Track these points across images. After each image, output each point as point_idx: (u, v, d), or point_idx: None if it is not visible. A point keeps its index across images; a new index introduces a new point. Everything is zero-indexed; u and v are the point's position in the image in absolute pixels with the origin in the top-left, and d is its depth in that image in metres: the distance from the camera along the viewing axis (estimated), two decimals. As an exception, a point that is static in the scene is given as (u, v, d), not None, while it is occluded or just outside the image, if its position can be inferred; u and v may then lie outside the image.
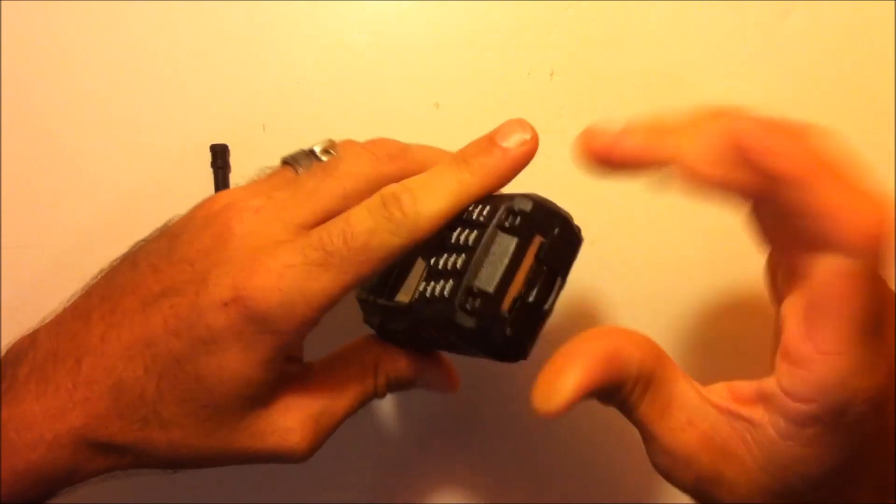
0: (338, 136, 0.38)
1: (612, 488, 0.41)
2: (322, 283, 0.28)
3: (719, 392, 0.27)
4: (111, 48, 0.40)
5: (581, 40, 0.40)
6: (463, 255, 0.28)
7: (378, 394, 0.32)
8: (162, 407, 0.29)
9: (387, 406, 0.41)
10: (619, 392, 0.26)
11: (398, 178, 0.30)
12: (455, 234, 0.29)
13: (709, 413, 0.26)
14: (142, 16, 0.40)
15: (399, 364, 0.32)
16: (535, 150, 0.30)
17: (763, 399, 0.26)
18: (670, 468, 0.27)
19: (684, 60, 0.40)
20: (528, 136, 0.30)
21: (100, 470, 0.30)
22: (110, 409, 0.29)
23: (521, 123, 0.30)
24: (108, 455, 0.30)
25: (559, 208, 0.30)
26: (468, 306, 0.28)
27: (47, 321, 0.31)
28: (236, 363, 0.28)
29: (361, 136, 0.39)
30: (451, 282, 0.28)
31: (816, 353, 0.24)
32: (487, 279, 0.28)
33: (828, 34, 0.40)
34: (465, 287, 0.28)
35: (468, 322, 0.28)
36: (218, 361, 0.28)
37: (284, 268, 0.28)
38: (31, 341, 0.30)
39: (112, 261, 0.32)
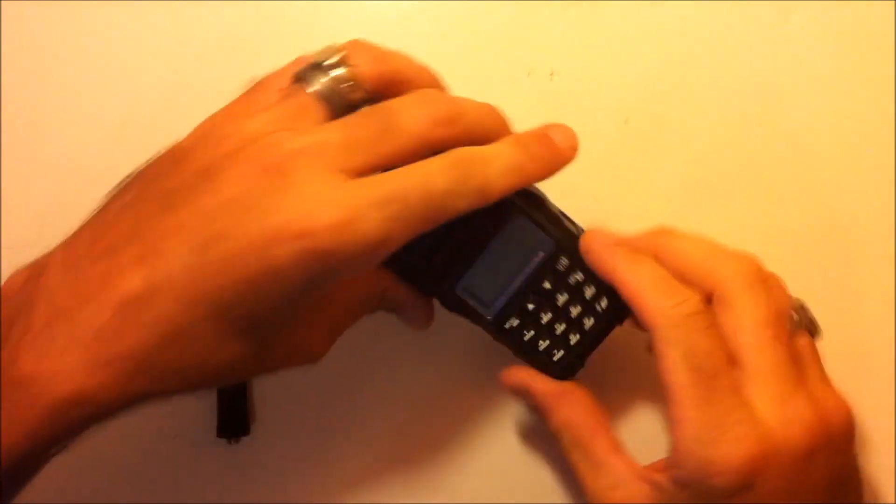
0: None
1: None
2: (391, 232, 0.28)
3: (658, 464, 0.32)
4: (111, 48, 0.40)
5: (581, 40, 0.40)
6: (564, 325, 0.34)
7: (372, 310, 0.35)
8: (218, 343, 0.28)
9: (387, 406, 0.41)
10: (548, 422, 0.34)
11: (451, 145, 0.30)
12: (554, 289, 0.33)
13: (631, 481, 0.32)
14: (142, 16, 0.40)
15: (401, 296, 0.34)
16: (572, 159, 0.32)
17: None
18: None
19: (684, 60, 0.40)
20: (574, 143, 0.32)
21: (142, 396, 0.28)
22: (160, 347, 0.28)
23: (566, 129, 0.33)
24: (154, 384, 0.28)
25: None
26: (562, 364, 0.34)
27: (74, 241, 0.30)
28: (297, 294, 0.28)
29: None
30: (560, 351, 0.34)
31: (668, 420, 0.30)
32: (584, 352, 0.34)
33: (828, 34, 0.40)
34: (569, 362, 0.34)
35: (555, 372, 0.34)
36: (279, 296, 0.28)
37: (356, 216, 0.27)
38: (62, 274, 0.29)
39: (121, 190, 0.30)
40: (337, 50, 0.31)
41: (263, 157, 0.28)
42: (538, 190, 0.34)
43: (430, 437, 0.40)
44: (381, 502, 0.40)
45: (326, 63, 0.30)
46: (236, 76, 0.40)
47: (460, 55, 0.40)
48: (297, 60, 0.32)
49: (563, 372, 0.34)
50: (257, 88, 0.32)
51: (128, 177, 0.31)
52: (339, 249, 0.27)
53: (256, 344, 0.29)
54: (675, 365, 0.30)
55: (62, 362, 0.27)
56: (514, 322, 0.34)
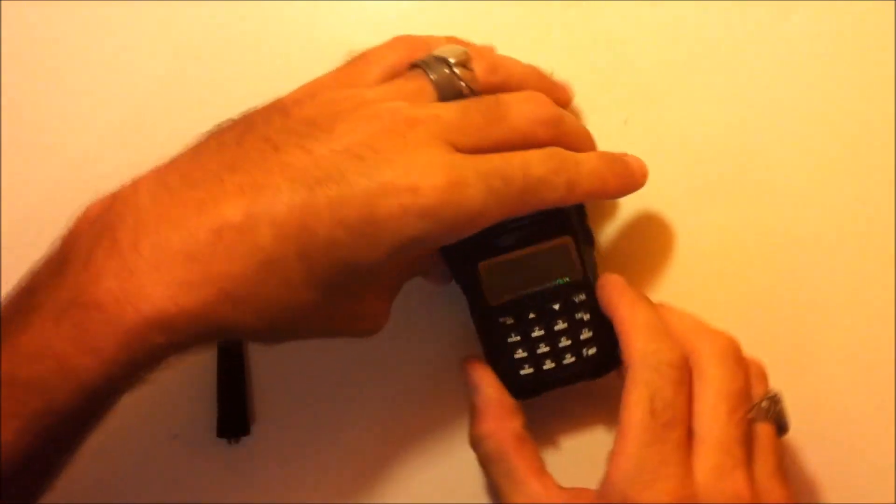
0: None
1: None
2: (490, 206, 0.29)
3: None
4: (111, 48, 0.40)
5: (581, 40, 0.40)
6: (548, 349, 0.35)
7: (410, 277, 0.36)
8: (298, 291, 0.28)
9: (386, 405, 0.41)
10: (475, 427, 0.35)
11: (548, 144, 0.32)
12: (559, 313, 0.35)
13: (547, 502, 0.33)
14: (142, 16, 0.40)
15: (433, 258, 0.35)
16: (639, 189, 0.35)
17: None
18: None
19: (684, 60, 0.40)
20: (646, 171, 0.35)
21: (218, 327, 0.28)
22: (248, 277, 0.28)
23: (640, 160, 0.35)
24: (233, 313, 0.28)
25: None
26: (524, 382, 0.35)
27: (153, 179, 0.29)
28: (387, 257, 0.29)
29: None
30: (531, 369, 0.35)
31: (611, 452, 0.31)
32: (548, 384, 0.36)
33: (828, 34, 0.40)
34: (531, 384, 0.35)
35: (513, 387, 0.35)
36: (373, 254, 0.29)
37: (458, 183, 0.29)
38: (166, 195, 0.28)
39: (219, 131, 0.31)
40: (461, 52, 0.33)
41: (383, 117, 0.29)
42: (591, 228, 0.37)
43: (430, 437, 0.40)
44: (380, 502, 0.40)
45: (451, 59, 0.32)
46: (236, 76, 0.41)
47: (460, 55, 0.40)
48: (394, 40, 0.34)
49: (519, 389, 0.35)
50: (360, 62, 0.33)
51: (226, 121, 0.31)
52: (442, 211, 0.28)
53: (333, 298, 0.30)
54: (636, 402, 0.31)
55: (149, 281, 0.27)
56: (509, 320, 0.35)
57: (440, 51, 0.32)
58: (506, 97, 0.32)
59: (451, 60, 0.32)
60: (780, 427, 0.34)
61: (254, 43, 0.40)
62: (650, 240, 0.40)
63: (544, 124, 0.32)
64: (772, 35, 0.40)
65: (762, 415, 0.33)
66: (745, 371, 0.33)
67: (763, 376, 0.34)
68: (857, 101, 0.40)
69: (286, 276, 0.28)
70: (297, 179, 0.28)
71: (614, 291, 0.34)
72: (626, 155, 0.35)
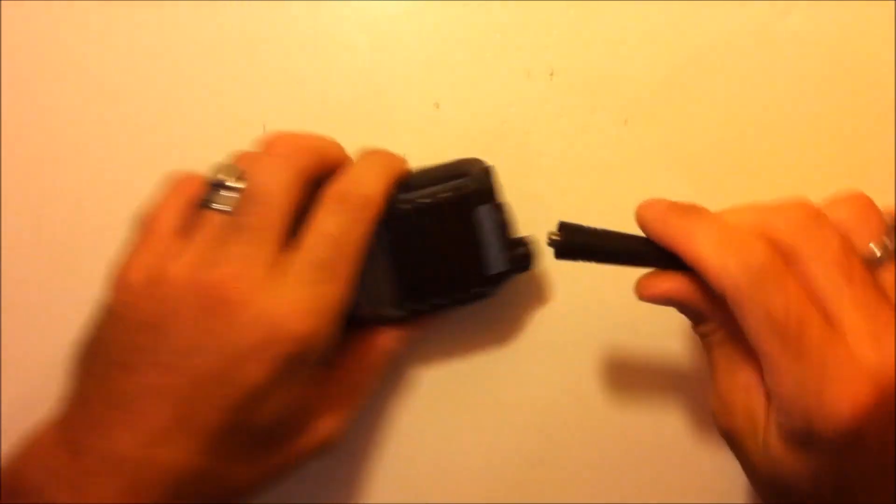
0: (337, 137, 0.38)
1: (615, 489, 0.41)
2: (335, 294, 0.31)
3: None
4: (111, 48, 0.40)
5: (581, 40, 0.40)
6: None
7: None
8: (230, 470, 0.31)
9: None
10: (697, 325, 0.32)
11: (315, 168, 0.33)
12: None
13: (759, 395, 0.30)
14: (142, 16, 0.40)
15: (397, 338, 0.36)
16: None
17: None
18: (716, 410, 0.32)
19: (684, 60, 0.40)
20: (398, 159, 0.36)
21: None
22: (176, 495, 0.30)
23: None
24: None
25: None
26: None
27: (52, 432, 0.31)
28: (286, 399, 0.31)
29: (361, 135, 0.39)
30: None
31: (767, 382, 0.29)
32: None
33: (828, 34, 0.40)
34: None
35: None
36: (272, 407, 0.31)
37: (299, 304, 0.30)
38: (68, 458, 0.30)
39: (82, 365, 0.32)
40: (227, 166, 0.33)
41: (200, 298, 0.30)
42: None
43: (430, 437, 0.40)
44: (379, 502, 0.40)
45: (218, 181, 0.32)
46: (236, 76, 0.41)
47: (460, 55, 0.40)
48: (167, 190, 0.34)
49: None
50: (149, 229, 0.33)
51: (79, 350, 0.32)
52: (302, 341, 0.30)
53: (266, 454, 0.32)
54: (757, 328, 0.28)
55: None
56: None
57: (214, 177, 0.32)
58: (250, 178, 0.32)
59: (229, 182, 0.32)
60: None
61: (254, 43, 0.40)
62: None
63: (293, 158, 0.32)
64: (771, 35, 0.40)
65: (881, 258, 0.29)
66: (831, 228, 0.29)
67: (865, 209, 0.31)
68: (857, 101, 0.40)
69: (211, 474, 0.30)
70: (177, 397, 0.30)
71: (657, 224, 0.31)
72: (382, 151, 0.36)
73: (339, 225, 0.32)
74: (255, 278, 0.30)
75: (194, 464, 0.30)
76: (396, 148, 0.39)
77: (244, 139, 0.36)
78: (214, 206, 0.32)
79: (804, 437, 0.28)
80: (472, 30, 0.40)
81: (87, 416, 0.30)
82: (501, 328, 0.40)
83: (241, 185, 0.32)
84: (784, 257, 0.29)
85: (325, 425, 0.34)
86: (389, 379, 0.40)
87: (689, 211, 0.30)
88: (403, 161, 0.36)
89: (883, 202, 0.40)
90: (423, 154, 0.40)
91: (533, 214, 0.39)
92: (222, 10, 0.40)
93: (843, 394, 0.27)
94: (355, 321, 0.34)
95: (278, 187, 0.31)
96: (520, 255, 0.35)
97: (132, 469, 0.29)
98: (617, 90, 0.40)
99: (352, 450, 0.40)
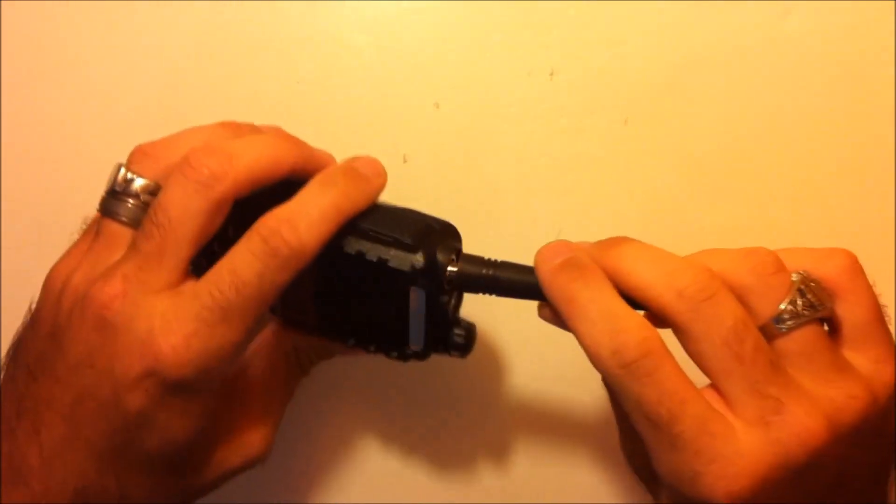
0: (336, 137, 0.38)
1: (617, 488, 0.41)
2: (228, 337, 0.28)
3: None
4: (111, 48, 0.40)
5: (581, 40, 0.40)
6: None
7: (304, 372, 0.35)
8: (129, 489, 0.30)
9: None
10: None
11: (246, 189, 0.30)
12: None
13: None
14: (142, 16, 0.40)
15: (314, 343, 0.34)
16: (384, 185, 0.32)
17: None
18: (627, 452, 0.32)
19: (684, 60, 0.40)
20: (382, 172, 0.32)
21: None
22: None
23: (374, 162, 0.32)
24: None
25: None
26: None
27: None
28: (176, 427, 0.29)
29: (361, 135, 0.39)
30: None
31: None
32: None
33: (828, 34, 0.40)
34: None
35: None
36: (160, 434, 0.29)
37: (186, 337, 0.28)
38: None
39: (6, 364, 0.31)
40: (118, 168, 0.31)
41: (87, 313, 0.29)
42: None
43: (428, 437, 0.40)
44: (378, 502, 0.40)
45: (117, 186, 0.31)
46: (236, 77, 0.41)
47: (460, 55, 0.40)
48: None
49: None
50: (87, 230, 0.32)
51: (9, 347, 0.32)
52: (183, 374, 0.28)
53: (172, 475, 0.31)
54: (631, 414, 0.28)
55: None
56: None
57: (108, 181, 0.31)
58: (161, 195, 0.29)
59: (116, 187, 0.30)
60: (817, 308, 0.28)
61: (254, 43, 0.40)
62: (649, 240, 0.40)
63: (210, 186, 0.29)
64: (771, 35, 0.40)
65: (794, 321, 0.28)
66: (726, 302, 0.27)
67: (774, 271, 0.28)
68: (858, 100, 0.40)
69: (112, 490, 0.29)
70: (61, 410, 0.29)
71: (547, 279, 0.29)
72: (354, 161, 0.32)
73: (253, 269, 0.28)
74: (141, 304, 0.28)
75: (92, 481, 0.29)
76: (396, 148, 0.39)
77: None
78: (112, 214, 0.30)
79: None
80: (472, 30, 0.40)
81: (1, 421, 0.30)
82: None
83: (141, 193, 0.30)
84: (675, 330, 0.28)
85: (247, 441, 0.32)
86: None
87: (578, 273, 0.29)
88: (372, 192, 0.31)
89: (883, 202, 0.40)
90: (423, 154, 0.40)
91: (533, 214, 0.39)
92: (222, 10, 0.40)
93: (717, 483, 0.27)
94: (273, 315, 0.33)
95: (186, 216, 0.29)
96: (451, 342, 0.32)
97: (35, 481, 0.29)
98: (617, 90, 0.40)
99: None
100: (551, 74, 0.40)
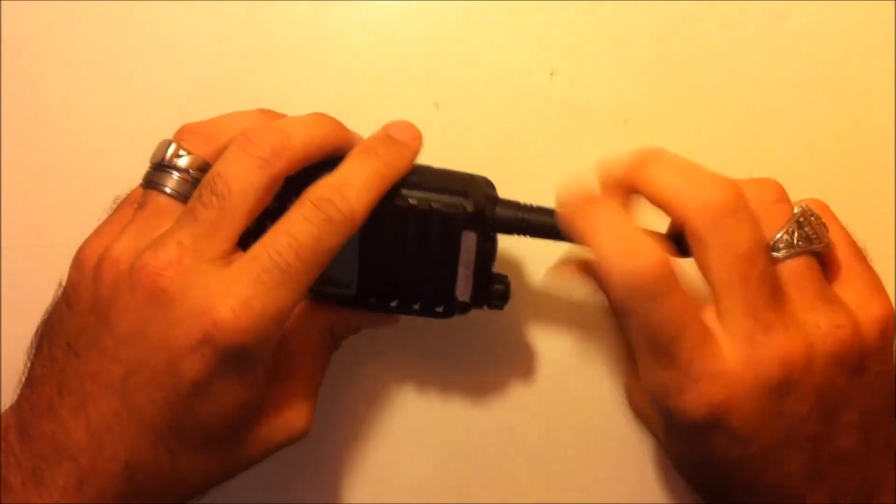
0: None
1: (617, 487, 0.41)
2: (285, 299, 0.29)
3: None
4: (111, 48, 0.40)
5: (581, 40, 0.40)
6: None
7: (336, 347, 0.35)
8: (180, 462, 0.30)
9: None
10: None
11: (299, 166, 0.31)
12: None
13: None
14: (142, 16, 0.40)
15: (348, 318, 0.35)
16: (421, 147, 0.33)
17: None
18: (629, 389, 0.35)
19: (684, 60, 0.40)
20: (418, 136, 0.33)
21: None
22: (129, 491, 0.29)
23: (407, 124, 0.33)
24: None
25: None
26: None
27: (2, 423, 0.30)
28: (230, 397, 0.29)
29: (362, 135, 0.39)
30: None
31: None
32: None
33: (828, 34, 0.40)
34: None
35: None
36: (214, 403, 0.29)
37: (246, 300, 0.28)
38: (19, 442, 0.29)
39: (37, 345, 0.31)
40: (169, 143, 0.31)
41: (138, 284, 0.29)
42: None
43: (428, 439, 0.40)
44: (378, 502, 0.40)
45: (166, 161, 0.31)
46: (236, 77, 0.41)
47: (460, 55, 0.40)
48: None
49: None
50: (119, 206, 0.33)
51: (38, 328, 0.32)
52: (242, 339, 0.28)
53: (221, 449, 0.31)
54: (633, 336, 0.30)
55: None
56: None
57: (152, 156, 0.32)
58: (218, 166, 0.30)
59: (165, 161, 0.31)
60: (812, 241, 0.30)
61: (254, 44, 0.40)
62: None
63: (270, 163, 0.30)
64: (771, 35, 0.40)
65: (785, 254, 0.29)
66: (746, 221, 0.29)
67: (776, 199, 0.31)
68: (857, 101, 0.40)
69: (161, 465, 0.29)
70: (110, 382, 0.29)
71: (569, 217, 0.31)
72: (390, 128, 0.33)
73: (310, 233, 0.29)
74: (195, 270, 0.28)
75: (143, 455, 0.29)
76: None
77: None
78: (159, 187, 0.31)
79: (672, 428, 0.31)
80: (472, 30, 0.40)
81: (39, 400, 0.29)
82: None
83: (190, 168, 0.31)
84: (690, 239, 0.29)
85: (291, 416, 0.33)
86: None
87: (593, 203, 0.31)
88: (411, 156, 0.33)
89: (883, 202, 0.40)
90: (423, 154, 0.40)
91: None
92: (223, 9, 0.40)
93: (698, 398, 0.29)
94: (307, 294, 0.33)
95: (247, 189, 0.29)
96: (492, 292, 0.34)
97: (83, 457, 0.28)
98: (617, 90, 0.40)
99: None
100: (551, 74, 0.40)
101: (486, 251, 0.33)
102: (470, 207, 0.32)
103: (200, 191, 0.30)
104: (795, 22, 0.40)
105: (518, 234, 0.33)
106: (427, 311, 0.34)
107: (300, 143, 0.31)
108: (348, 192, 0.30)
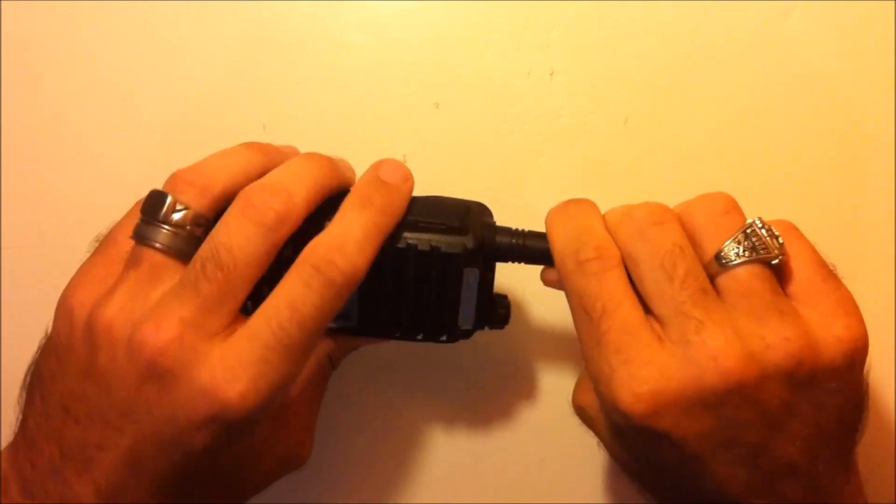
0: (336, 137, 0.38)
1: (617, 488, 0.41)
2: (291, 371, 0.28)
3: None
4: (112, 48, 0.40)
5: (581, 40, 0.40)
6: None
7: (334, 368, 0.35)
8: (189, 501, 0.30)
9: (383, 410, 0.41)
10: None
11: (299, 222, 0.29)
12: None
13: None
14: (142, 16, 0.40)
15: (344, 342, 0.35)
16: (413, 187, 0.32)
17: None
18: (575, 394, 0.35)
19: (684, 60, 0.40)
20: (409, 176, 0.32)
21: None
22: None
23: (396, 164, 0.32)
24: None
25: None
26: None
27: (9, 473, 0.29)
28: (237, 452, 0.30)
29: (362, 135, 0.39)
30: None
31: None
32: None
33: (828, 34, 0.40)
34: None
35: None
36: (222, 460, 0.29)
37: (252, 381, 0.27)
38: (22, 499, 0.29)
39: (27, 397, 0.30)
40: (163, 196, 0.29)
41: (138, 359, 0.28)
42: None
43: (427, 438, 0.40)
44: (378, 502, 0.40)
45: (161, 217, 0.29)
46: (236, 77, 0.41)
47: (460, 55, 0.40)
48: (134, 208, 0.31)
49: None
50: (103, 250, 0.31)
51: (27, 375, 0.31)
52: (250, 415, 0.28)
53: (227, 487, 0.31)
54: (573, 308, 0.30)
55: None
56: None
57: (143, 205, 0.30)
58: (220, 231, 0.28)
59: (160, 214, 0.29)
60: (758, 251, 0.30)
61: (254, 43, 0.40)
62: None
63: (273, 231, 0.29)
64: (771, 35, 0.40)
65: (736, 259, 0.29)
66: (670, 230, 0.30)
67: (725, 211, 0.31)
68: (857, 100, 0.40)
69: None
70: (119, 454, 0.28)
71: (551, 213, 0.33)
72: (379, 170, 0.32)
73: (312, 303, 0.28)
74: (199, 349, 0.28)
75: None
76: (396, 148, 0.39)
77: (244, 138, 0.36)
78: (153, 244, 0.29)
79: (613, 425, 0.31)
80: (472, 30, 0.40)
81: (39, 458, 0.29)
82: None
83: (187, 224, 0.29)
84: (625, 257, 0.30)
85: (292, 450, 0.33)
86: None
87: (574, 204, 0.32)
88: (405, 199, 0.32)
89: (883, 202, 0.40)
90: (423, 154, 0.40)
91: (532, 215, 0.39)
92: (222, 10, 0.40)
93: (626, 382, 0.28)
94: None
95: (251, 258, 0.28)
96: (495, 316, 0.34)
97: None
98: (617, 90, 0.40)
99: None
100: (551, 74, 0.40)
101: (488, 280, 0.33)
102: (470, 244, 0.31)
103: (203, 262, 0.28)
104: (795, 22, 0.40)
105: (517, 261, 0.33)
106: (430, 339, 0.34)
107: (302, 202, 0.29)
108: (349, 249, 0.29)
